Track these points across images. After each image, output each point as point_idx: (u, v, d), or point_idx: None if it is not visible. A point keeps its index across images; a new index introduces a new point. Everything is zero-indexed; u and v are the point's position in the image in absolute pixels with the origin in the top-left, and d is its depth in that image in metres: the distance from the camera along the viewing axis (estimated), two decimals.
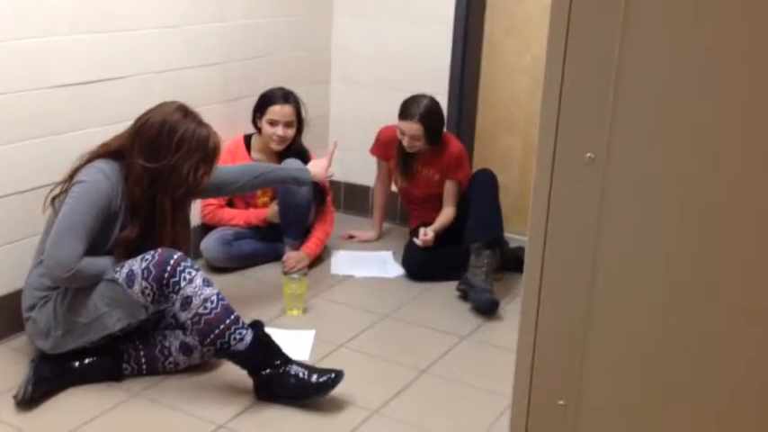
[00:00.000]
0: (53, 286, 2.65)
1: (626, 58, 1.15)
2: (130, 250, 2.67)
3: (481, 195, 3.59)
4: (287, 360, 2.63)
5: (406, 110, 3.64)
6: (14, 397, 2.54)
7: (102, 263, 2.63)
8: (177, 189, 2.67)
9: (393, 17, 4.15)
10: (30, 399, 2.53)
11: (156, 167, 2.62)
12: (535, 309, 1.28)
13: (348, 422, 2.57)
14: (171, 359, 2.75)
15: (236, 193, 3.48)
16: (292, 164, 3.60)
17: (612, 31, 1.14)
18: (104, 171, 2.61)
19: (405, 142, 3.67)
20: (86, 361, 2.67)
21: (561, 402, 1.31)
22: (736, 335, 1.21)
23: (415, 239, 3.64)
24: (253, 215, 3.72)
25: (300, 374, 2.60)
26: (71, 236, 2.55)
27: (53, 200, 2.67)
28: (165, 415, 2.57)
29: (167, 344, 2.75)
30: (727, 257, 1.19)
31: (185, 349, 2.75)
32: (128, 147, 2.65)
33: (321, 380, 2.60)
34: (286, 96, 3.66)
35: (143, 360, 2.73)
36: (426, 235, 3.60)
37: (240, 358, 2.60)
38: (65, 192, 2.63)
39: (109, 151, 2.67)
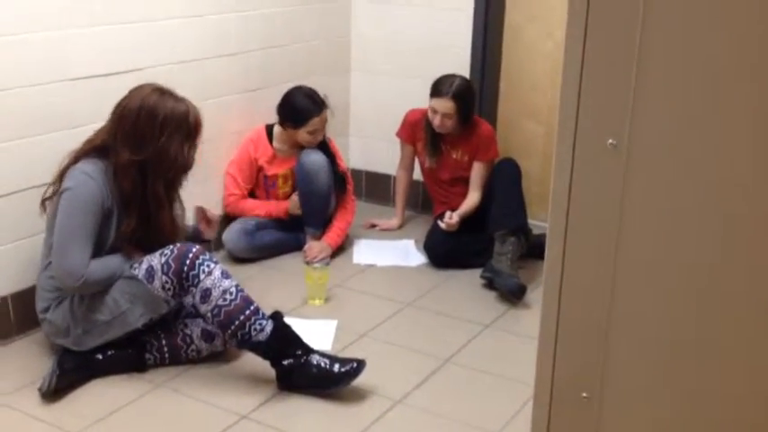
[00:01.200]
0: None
1: (648, 42, 1.12)
2: (135, 242, 2.67)
3: (505, 184, 3.56)
4: (308, 350, 2.62)
5: (438, 87, 3.61)
6: (39, 389, 2.56)
7: (112, 262, 2.64)
8: (168, 172, 2.65)
9: (413, 4, 4.11)
10: (54, 390, 2.54)
11: (145, 155, 2.59)
12: (557, 299, 1.26)
13: (371, 412, 2.56)
14: (193, 347, 2.75)
15: None
16: (312, 153, 3.60)
17: (634, 14, 1.11)
18: (88, 173, 2.58)
19: (435, 121, 3.63)
20: (109, 353, 2.68)
21: (585, 395, 1.28)
22: (764, 325, 1.17)
23: (439, 222, 3.61)
24: (274, 207, 3.71)
25: (322, 364, 2.59)
26: (73, 244, 2.55)
27: (44, 202, 2.68)
28: (188, 405, 2.57)
29: (189, 332, 2.75)
30: (753, 245, 1.15)
31: (207, 336, 2.75)
32: (111, 141, 2.62)
33: (343, 369, 2.59)
34: (318, 103, 3.63)
35: (165, 349, 2.73)
36: (451, 218, 3.57)
37: (261, 349, 2.60)
38: (55, 195, 2.63)
39: (93, 147, 2.64)
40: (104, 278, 2.61)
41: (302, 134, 3.64)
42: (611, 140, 1.16)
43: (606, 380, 1.27)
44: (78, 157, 2.64)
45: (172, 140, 2.61)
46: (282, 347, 2.60)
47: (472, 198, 3.70)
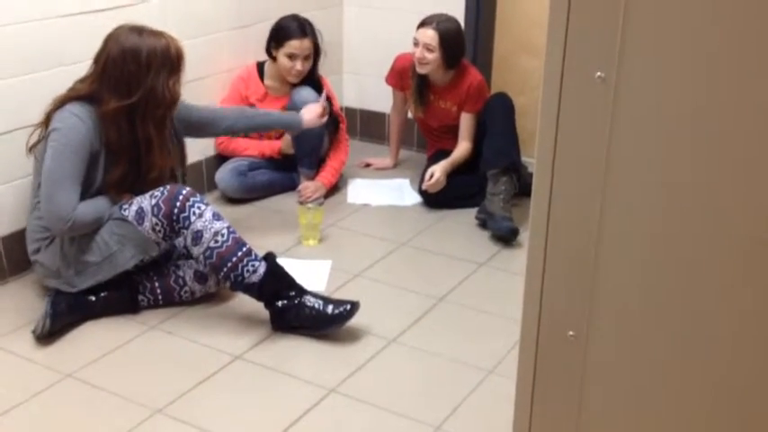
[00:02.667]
0: None
1: None
2: (125, 188, 2.65)
3: (496, 121, 3.48)
4: (302, 291, 2.61)
5: (424, 20, 3.51)
6: (33, 332, 2.56)
7: (100, 204, 2.62)
8: (157, 110, 2.61)
9: None
10: (48, 333, 2.54)
11: (132, 98, 2.56)
12: (544, 235, 1.23)
13: (365, 351, 2.57)
14: (186, 288, 2.74)
15: (226, 134, 3.39)
16: (303, 91, 3.54)
17: None
18: (77, 114, 2.55)
19: (417, 54, 3.49)
20: (102, 294, 2.68)
21: (571, 333, 1.27)
22: (749, 262, 1.15)
23: (423, 186, 3.54)
24: (267, 147, 3.67)
25: (316, 305, 2.59)
26: (61, 187, 2.52)
27: (31, 148, 2.64)
28: (181, 346, 2.58)
29: (181, 273, 2.74)
30: (741, 182, 1.12)
31: (200, 278, 2.74)
32: (98, 91, 2.57)
33: (337, 311, 2.59)
34: (303, 29, 3.55)
35: (158, 291, 2.73)
36: (431, 178, 3.49)
37: (254, 290, 2.59)
38: (43, 139, 2.59)
39: (77, 97, 2.59)
40: (92, 220, 2.59)
41: (281, 59, 3.55)
42: (599, 73, 1.12)
43: (593, 318, 1.26)
44: (63, 103, 2.59)
45: (158, 77, 2.57)
46: (276, 288, 2.59)
47: (461, 149, 3.60)
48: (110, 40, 2.59)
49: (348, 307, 2.59)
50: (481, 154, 3.49)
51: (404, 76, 3.71)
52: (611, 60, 1.11)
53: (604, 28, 1.10)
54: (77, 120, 2.54)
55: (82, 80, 2.65)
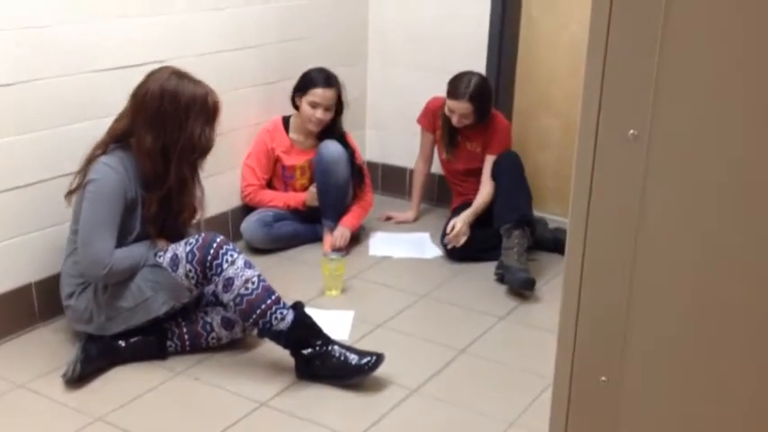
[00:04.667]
0: None
1: (670, 31, 1.14)
2: (158, 225, 2.72)
3: (506, 177, 3.60)
4: (328, 340, 2.66)
5: (455, 88, 3.63)
6: (63, 375, 2.60)
7: (137, 251, 2.69)
8: (192, 154, 2.69)
9: None
10: (78, 377, 2.59)
11: (167, 138, 2.64)
12: (578, 286, 1.28)
13: (388, 401, 2.59)
14: (213, 334, 2.79)
15: None
16: (330, 145, 3.63)
17: (657, 5, 1.13)
18: (110, 165, 2.63)
19: (454, 120, 3.68)
20: (132, 340, 2.73)
21: (603, 378, 1.31)
22: None
23: (444, 240, 3.61)
24: (292, 199, 3.75)
25: (342, 356, 2.63)
26: (98, 234, 2.60)
27: (68, 194, 2.72)
28: (208, 393, 2.62)
29: (209, 320, 2.79)
30: None
31: (227, 324, 2.79)
32: (132, 127, 2.66)
33: (362, 362, 2.62)
34: (329, 79, 3.66)
35: (186, 337, 2.78)
36: (453, 228, 3.58)
37: (281, 338, 2.64)
38: (80, 188, 2.67)
39: (115, 136, 2.68)
40: (128, 267, 2.66)
41: (304, 106, 3.64)
42: (632, 131, 1.18)
43: (625, 364, 1.30)
44: (101, 147, 2.68)
45: (196, 123, 2.66)
46: (303, 337, 2.64)
47: (483, 193, 3.70)
48: (151, 77, 2.69)
49: (374, 358, 2.63)
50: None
51: (437, 117, 3.85)
52: (645, 118, 1.18)
53: (638, 87, 1.17)
54: (111, 170, 2.63)
55: (118, 119, 2.73)
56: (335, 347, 2.64)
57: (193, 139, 2.66)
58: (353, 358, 2.63)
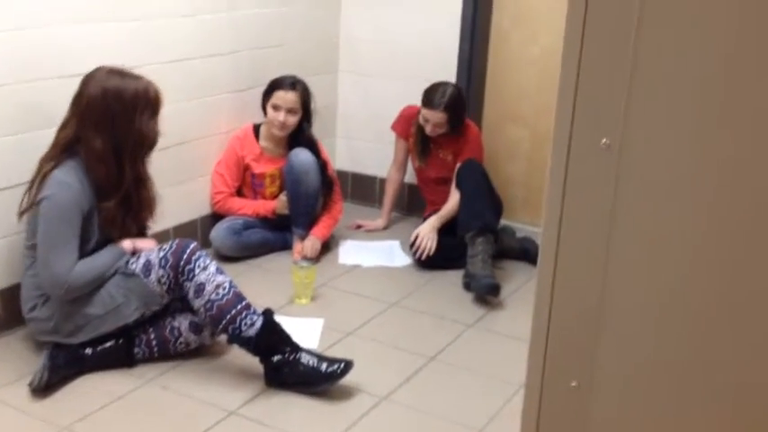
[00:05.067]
0: None
1: (643, 43, 1.17)
2: (119, 226, 2.71)
3: (468, 186, 3.64)
4: (297, 348, 2.66)
5: (430, 98, 3.67)
6: (29, 384, 2.57)
7: (100, 261, 2.67)
8: (142, 149, 2.69)
9: (401, 7, 4.16)
10: (44, 386, 2.56)
11: (118, 137, 2.62)
12: (549, 292, 1.31)
13: (357, 409, 2.60)
14: (182, 339, 2.78)
15: None
16: (301, 153, 3.63)
17: (629, 17, 1.16)
18: (64, 180, 2.60)
19: (427, 129, 3.73)
20: (99, 348, 2.71)
21: (574, 384, 1.33)
22: (751, 319, 1.23)
23: (413, 250, 3.64)
24: (261, 207, 3.74)
25: (310, 362, 2.63)
26: (55, 254, 2.58)
27: (22, 213, 2.69)
28: (176, 401, 2.60)
29: (177, 324, 2.78)
30: (741, 244, 1.21)
31: (195, 328, 2.78)
32: (78, 132, 2.63)
33: (330, 369, 2.63)
34: (293, 83, 3.68)
35: (154, 342, 2.76)
36: (416, 238, 3.61)
37: (251, 344, 2.63)
38: (34, 205, 2.64)
39: (62, 146, 2.65)
40: (91, 280, 2.64)
41: (269, 110, 3.66)
42: (605, 140, 1.21)
43: (596, 368, 1.32)
44: (50, 160, 2.64)
45: (143, 117, 2.65)
46: (272, 343, 2.64)
47: (453, 200, 3.73)
48: (89, 80, 2.65)
49: (342, 365, 2.64)
50: None
51: (410, 125, 3.90)
52: (617, 128, 1.20)
53: (610, 96, 1.20)
54: (65, 185, 2.59)
55: (62, 128, 2.69)
56: (304, 354, 2.64)
57: (143, 133, 2.66)
58: (322, 365, 2.63)
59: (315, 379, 2.63)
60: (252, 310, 2.64)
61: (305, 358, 2.64)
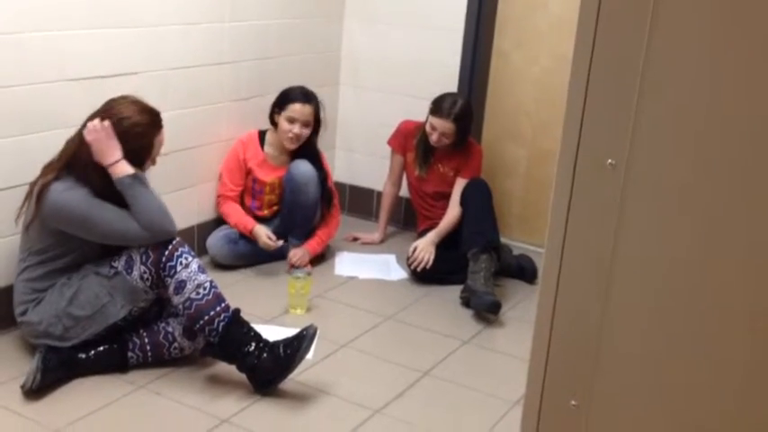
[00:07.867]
0: (41, 288, 2.71)
1: (650, 65, 1.18)
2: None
3: (473, 204, 3.65)
4: (265, 339, 2.68)
5: (440, 107, 3.67)
6: (22, 386, 2.56)
7: (144, 196, 2.68)
8: (143, 163, 2.79)
9: (404, 24, 4.19)
10: (37, 388, 2.55)
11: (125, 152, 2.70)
12: (551, 310, 1.31)
13: (351, 421, 2.59)
14: (176, 344, 2.77)
15: None
16: (302, 165, 3.64)
17: (639, 38, 1.18)
18: (65, 188, 2.64)
19: (433, 138, 3.71)
20: (92, 352, 2.70)
21: (573, 403, 1.34)
22: (754, 342, 1.24)
23: (409, 263, 3.65)
24: (242, 223, 3.67)
25: (281, 344, 2.65)
26: (125, 223, 2.65)
27: (28, 226, 2.71)
28: (168, 408, 2.59)
29: (170, 329, 2.77)
30: (747, 266, 1.22)
31: (189, 334, 2.77)
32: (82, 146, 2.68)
33: (300, 335, 2.66)
34: (307, 96, 3.69)
35: (148, 348, 2.75)
36: (416, 250, 3.62)
37: (223, 343, 2.65)
38: (37, 216, 2.66)
39: (64, 162, 2.69)
40: (158, 208, 2.69)
41: (282, 122, 3.65)
42: (610, 160, 1.22)
43: (595, 388, 1.33)
44: (53, 171, 2.68)
45: (154, 135, 2.79)
46: (239, 336, 2.65)
47: (450, 215, 3.74)
48: (120, 107, 2.74)
49: (308, 328, 2.68)
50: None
51: (408, 140, 3.89)
52: (623, 148, 1.22)
53: (617, 117, 1.21)
54: (69, 190, 2.64)
55: (72, 139, 2.74)
56: (268, 349, 2.66)
57: (153, 148, 2.79)
58: (293, 339, 2.66)
59: (288, 361, 2.63)
60: (230, 313, 2.65)
61: (276, 342, 2.67)
